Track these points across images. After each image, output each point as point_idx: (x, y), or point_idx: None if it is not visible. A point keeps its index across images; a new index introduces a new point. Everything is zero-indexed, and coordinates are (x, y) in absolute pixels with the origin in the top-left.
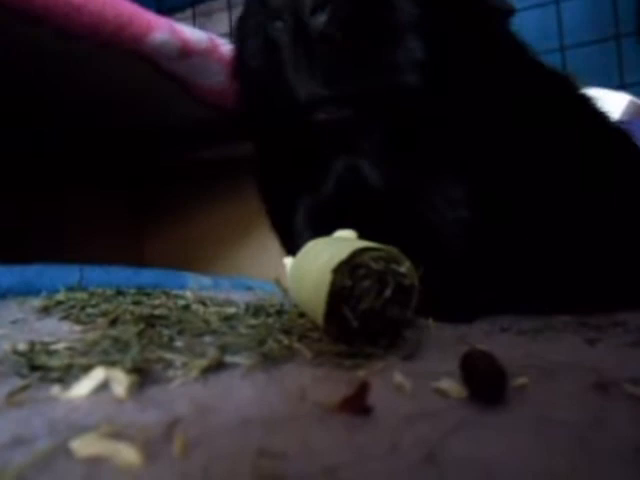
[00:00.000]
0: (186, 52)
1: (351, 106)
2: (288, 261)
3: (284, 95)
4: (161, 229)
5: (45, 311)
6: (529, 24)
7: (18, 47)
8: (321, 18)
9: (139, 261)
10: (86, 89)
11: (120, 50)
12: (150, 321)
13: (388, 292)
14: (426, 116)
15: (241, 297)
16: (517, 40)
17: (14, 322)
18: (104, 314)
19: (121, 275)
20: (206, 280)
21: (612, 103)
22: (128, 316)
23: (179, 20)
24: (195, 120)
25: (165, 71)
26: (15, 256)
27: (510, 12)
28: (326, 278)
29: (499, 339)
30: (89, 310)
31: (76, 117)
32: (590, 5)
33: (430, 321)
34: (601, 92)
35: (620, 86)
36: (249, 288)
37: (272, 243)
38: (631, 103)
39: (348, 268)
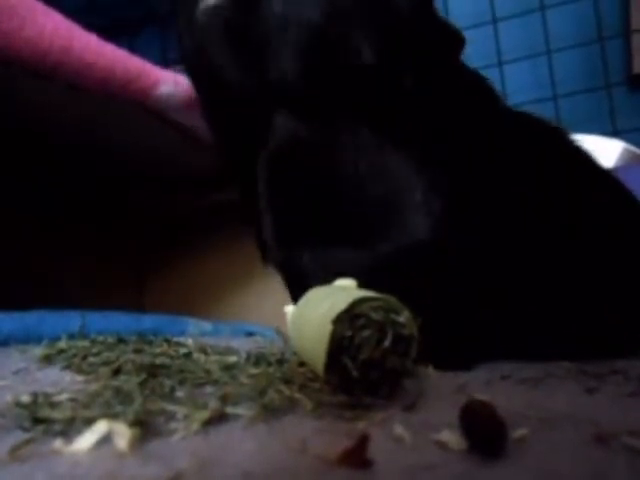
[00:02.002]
0: (191, 103)
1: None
2: (289, 309)
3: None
4: (162, 273)
5: (47, 360)
6: (522, 74)
7: (29, 100)
8: None
9: (140, 305)
10: (93, 140)
11: (128, 103)
12: (152, 371)
13: (387, 342)
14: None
15: (242, 345)
16: (479, 74)
17: (16, 372)
18: (106, 363)
19: (122, 321)
20: (207, 325)
21: (606, 150)
22: (130, 365)
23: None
24: (198, 168)
25: (171, 122)
26: (15, 302)
27: (462, 41)
28: (326, 328)
29: (499, 388)
30: (91, 359)
31: (80, 165)
32: (581, 56)
33: (430, 369)
34: (595, 139)
35: (613, 133)
36: (250, 334)
37: (273, 288)
38: (625, 150)
39: (348, 318)
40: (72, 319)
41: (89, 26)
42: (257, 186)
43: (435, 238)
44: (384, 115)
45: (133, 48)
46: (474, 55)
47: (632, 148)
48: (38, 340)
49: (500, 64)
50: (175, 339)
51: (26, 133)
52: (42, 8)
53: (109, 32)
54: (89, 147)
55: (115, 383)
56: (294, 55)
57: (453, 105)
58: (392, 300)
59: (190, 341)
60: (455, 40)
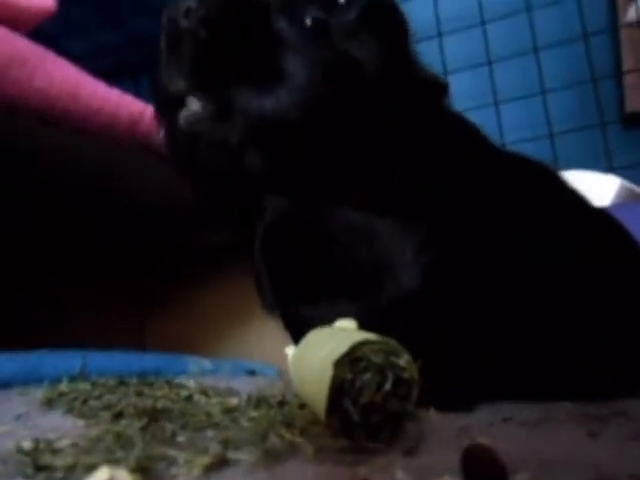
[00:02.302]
0: None
1: (216, 104)
2: (290, 351)
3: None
4: (163, 311)
5: (48, 404)
6: (518, 113)
7: (37, 145)
8: (192, 19)
9: (140, 342)
10: (97, 181)
11: (133, 145)
12: (153, 415)
13: (388, 386)
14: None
15: (242, 385)
16: (463, 118)
17: (18, 417)
18: (107, 407)
19: (123, 360)
20: (207, 364)
21: (603, 187)
22: (131, 410)
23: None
24: (198, 208)
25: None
26: (16, 340)
27: (444, 87)
28: (327, 371)
29: (500, 431)
30: (92, 403)
31: (82, 204)
32: (575, 95)
33: (431, 411)
34: (592, 175)
35: (608, 169)
36: (250, 372)
37: (272, 326)
38: (622, 187)
39: (348, 361)
40: (73, 359)
41: (95, 69)
42: (254, 249)
43: (429, 286)
44: (368, 181)
45: (138, 89)
46: (471, 95)
47: (629, 185)
48: (39, 381)
49: (496, 104)
50: (176, 380)
51: (33, 176)
52: (52, 57)
53: (114, 75)
54: (94, 188)
55: (116, 428)
56: (264, 149)
57: (438, 154)
58: (392, 343)
59: (191, 382)
60: (436, 88)
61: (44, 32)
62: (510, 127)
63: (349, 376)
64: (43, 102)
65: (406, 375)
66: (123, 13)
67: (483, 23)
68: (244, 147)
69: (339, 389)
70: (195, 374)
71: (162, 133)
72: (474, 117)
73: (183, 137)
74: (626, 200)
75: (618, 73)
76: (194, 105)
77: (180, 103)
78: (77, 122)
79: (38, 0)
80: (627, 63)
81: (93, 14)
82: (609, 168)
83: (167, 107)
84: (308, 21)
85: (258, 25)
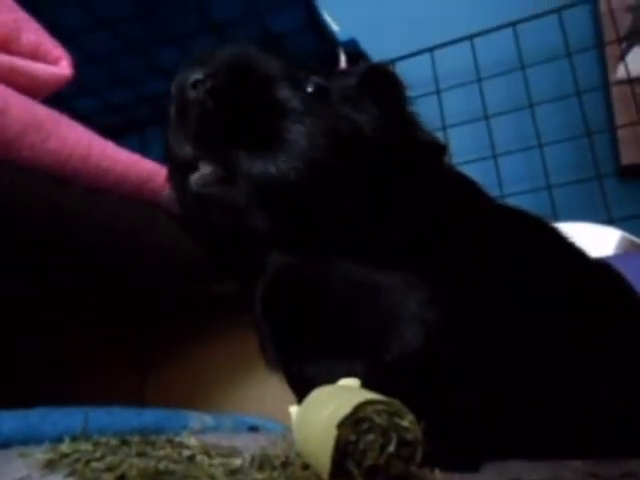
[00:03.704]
0: None
1: (224, 169)
2: (293, 410)
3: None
4: (163, 364)
5: (50, 466)
6: (516, 166)
7: (48, 204)
8: (200, 90)
9: (141, 397)
10: (107, 240)
11: (142, 204)
12: (156, 477)
13: (391, 447)
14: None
15: (245, 444)
16: (462, 176)
17: None
18: (109, 469)
19: (124, 417)
20: (208, 419)
21: (604, 239)
22: (134, 472)
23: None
24: (202, 261)
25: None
26: (15, 395)
27: (442, 148)
28: (331, 433)
29: None
30: (94, 464)
31: (90, 257)
32: (571, 149)
33: (436, 472)
34: (593, 227)
35: (607, 221)
36: (252, 428)
37: (274, 380)
38: (623, 238)
39: (352, 422)
40: (74, 417)
41: (104, 125)
42: (255, 305)
43: (433, 344)
44: (370, 238)
45: (144, 144)
46: (470, 149)
47: (630, 237)
48: (39, 440)
49: (494, 157)
50: (178, 439)
51: (43, 235)
52: (66, 121)
53: (121, 131)
54: (102, 247)
55: None
56: (267, 210)
57: (439, 211)
58: (396, 403)
59: (193, 440)
60: (435, 148)
61: (57, 93)
62: (509, 180)
63: (352, 437)
64: (55, 163)
65: (410, 436)
66: (132, 74)
67: (479, 80)
68: (249, 208)
69: (343, 451)
70: (196, 431)
71: (170, 193)
72: (473, 170)
73: (193, 198)
74: (627, 251)
75: (612, 128)
76: (205, 169)
77: (190, 167)
78: (87, 181)
79: (56, 69)
80: (619, 118)
81: (104, 75)
82: (608, 220)
83: (177, 170)
84: (310, 88)
85: (262, 94)
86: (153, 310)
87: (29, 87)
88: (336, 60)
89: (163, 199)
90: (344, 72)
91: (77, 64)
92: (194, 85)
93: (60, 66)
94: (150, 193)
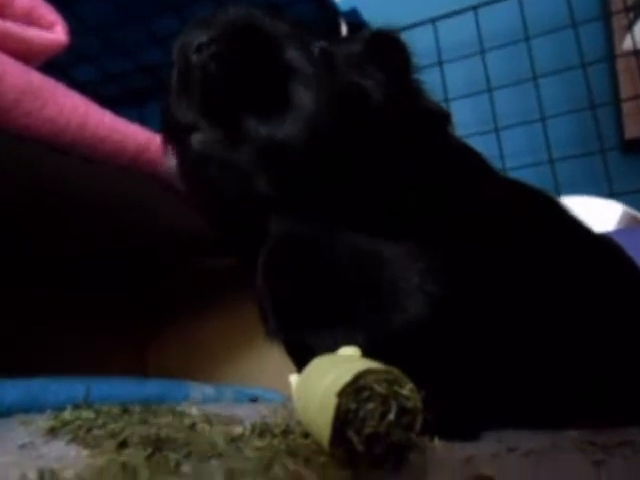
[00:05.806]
0: None
1: (226, 130)
2: (293, 379)
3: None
4: (163, 337)
5: (52, 433)
6: (518, 140)
7: (45, 173)
8: (204, 54)
9: (141, 370)
10: (104, 210)
11: (139, 173)
12: (157, 444)
13: (391, 415)
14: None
15: (246, 413)
16: (467, 146)
17: (22, 447)
18: (111, 436)
19: (125, 387)
20: (209, 390)
21: (606, 213)
22: (135, 438)
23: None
24: (200, 230)
25: (177, 190)
26: (14, 366)
27: (447, 117)
28: (331, 401)
29: (506, 461)
30: (96, 432)
31: (86, 234)
32: (574, 122)
33: (436, 441)
34: (595, 201)
35: (609, 195)
36: (253, 398)
37: (275, 351)
38: (625, 213)
39: (352, 390)
40: (76, 386)
41: (101, 96)
42: (257, 275)
43: (435, 315)
44: (374, 206)
45: (142, 116)
46: (472, 122)
47: (631, 211)
48: (41, 409)
49: (497, 130)
50: (179, 408)
51: (41, 204)
52: (63, 89)
53: (119, 102)
54: (100, 217)
55: (121, 458)
56: (271, 173)
57: (444, 181)
58: (395, 372)
59: (194, 410)
60: (439, 117)
61: (53, 61)
62: (511, 153)
63: (353, 406)
64: (53, 131)
65: (410, 404)
66: (130, 42)
67: (482, 52)
68: (253, 171)
69: (343, 419)
70: (198, 401)
71: (169, 161)
72: (475, 143)
73: (195, 158)
74: (628, 226)
75: (616, 101)
76: (207, 129)
77: (191, 129)
78: (85, 150)
79: (51, 35)
80: (624, 91)
81: (101, 43)
82: (610, 194)
83: (178, 133)
84: (315, 51)
85: (268, 57)
86: (152, 282)
87: (24, 53)
88: (337, 30)
89: (161, 169)
90: (348, 38)
91: (74, 32)
92: (198, 49)
93: (55, 31)
94: (147, 163)
